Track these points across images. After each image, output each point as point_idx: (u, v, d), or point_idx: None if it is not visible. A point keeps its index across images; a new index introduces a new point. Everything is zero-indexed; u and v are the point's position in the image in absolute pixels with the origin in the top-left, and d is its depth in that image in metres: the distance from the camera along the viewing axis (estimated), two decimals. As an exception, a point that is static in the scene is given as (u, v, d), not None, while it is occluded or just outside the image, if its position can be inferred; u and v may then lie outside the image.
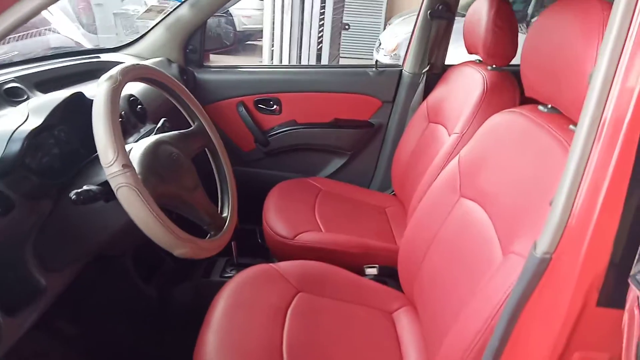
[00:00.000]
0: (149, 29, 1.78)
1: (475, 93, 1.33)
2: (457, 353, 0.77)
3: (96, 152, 0.80)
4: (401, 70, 1.85)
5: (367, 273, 1.38)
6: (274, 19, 4.73)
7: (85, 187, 0.77)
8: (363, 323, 1.16)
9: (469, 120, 1.31)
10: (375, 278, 1.37)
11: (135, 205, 0.73)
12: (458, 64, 1.63)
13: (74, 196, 0.75)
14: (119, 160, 0.73)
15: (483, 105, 1.29)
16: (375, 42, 6.77)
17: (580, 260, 0.53)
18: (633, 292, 0.50)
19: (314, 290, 1.21)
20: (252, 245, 1.69)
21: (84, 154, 0.93)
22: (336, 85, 1.86)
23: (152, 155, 0.86)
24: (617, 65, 0.51)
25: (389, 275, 1.39)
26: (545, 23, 0.84)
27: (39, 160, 0.85)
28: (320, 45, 4.29)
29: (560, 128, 0.80)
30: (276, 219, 1.51)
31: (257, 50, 4.88)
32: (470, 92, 1.38)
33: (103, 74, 0.83)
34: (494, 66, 1.36)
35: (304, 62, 4.55)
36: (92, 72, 1.42)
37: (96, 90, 0.79)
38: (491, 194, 0.93)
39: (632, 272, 0.51)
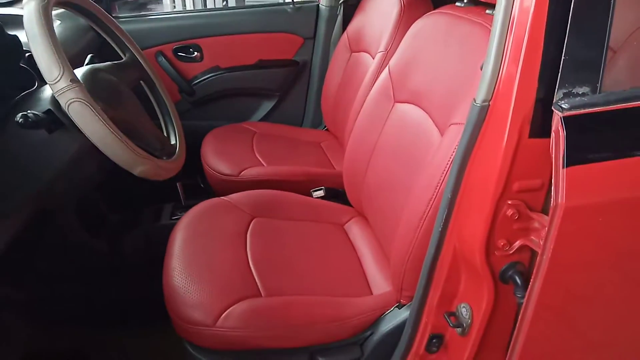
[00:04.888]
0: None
1: (394, 12, 1.41)
2: (414, 222, 0.85)
3: (28, 87, 0.76)
4: (318, 5, 1.88)
5: (314, 196, 1.44)
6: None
7: (30, 111, 0.73)
8: (318, 235, 1.23)
9: (392, 37, 1.38)
10: (322, 199, 1.44)
11: (90, 121, 0.71)
12: (372, -9, 1.69)
13: (21, 119, 0.72)
14: (66, 76, 0.70)
15: (403, 21, 1.37)
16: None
17: (512, 102, 0.62)
18: (556, 116, 0.61)
19: (268, 214, 1.25)
20: (195, 191, 1.68)
21: (10, 94, 0.87)
22: (256, 25, 1.85)
23: (91, 81, 0.83)
24: None
25: (334, 197, 1.47)
26: None
27: None
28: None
29: (479, 15, 0.90)
30: (218, 160, 1.51)
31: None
32: (388, 12, 1.45)
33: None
34: (406, -15, 1.44)
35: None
36: None
37: (24, 11, 0.74)
38: (424, 90, 1.01)
39: (554, 101, 0.61)
